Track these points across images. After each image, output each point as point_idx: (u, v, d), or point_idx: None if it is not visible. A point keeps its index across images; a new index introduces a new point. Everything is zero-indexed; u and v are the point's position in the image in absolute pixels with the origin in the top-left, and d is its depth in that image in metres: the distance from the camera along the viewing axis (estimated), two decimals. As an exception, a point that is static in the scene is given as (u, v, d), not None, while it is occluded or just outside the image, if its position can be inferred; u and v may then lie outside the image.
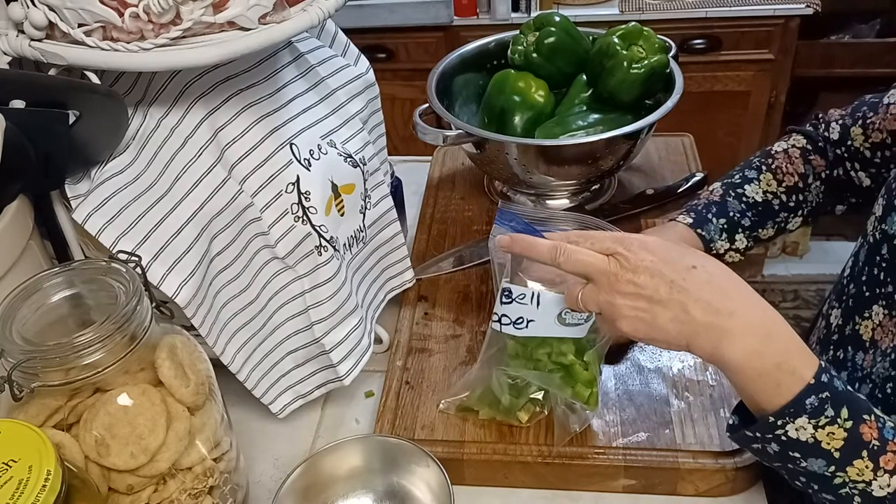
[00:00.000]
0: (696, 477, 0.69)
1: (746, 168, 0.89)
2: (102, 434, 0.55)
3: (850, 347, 0.72)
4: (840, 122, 0.86)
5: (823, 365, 0.58)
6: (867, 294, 0.71)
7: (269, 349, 0.75)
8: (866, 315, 0.70)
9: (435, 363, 0.81)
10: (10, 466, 0.46)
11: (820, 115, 0.91)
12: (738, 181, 0.88)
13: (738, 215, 0.86)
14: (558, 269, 0.63)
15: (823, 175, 0.87)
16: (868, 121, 0.82)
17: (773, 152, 0.89)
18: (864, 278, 0.72)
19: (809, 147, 0.88)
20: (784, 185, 0.87)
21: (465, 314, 0.87)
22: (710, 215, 0.85)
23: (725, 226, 0.85)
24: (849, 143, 0.84)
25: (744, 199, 0.86)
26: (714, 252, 0.85)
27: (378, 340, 0.85)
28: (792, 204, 0.87)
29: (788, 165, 0.87)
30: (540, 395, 0.73)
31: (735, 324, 0.58)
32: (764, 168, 0.88)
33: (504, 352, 0.72)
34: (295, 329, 0.75)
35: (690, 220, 0.85)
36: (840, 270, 0.79)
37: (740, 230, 0.86)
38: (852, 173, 0.85)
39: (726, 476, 0.69)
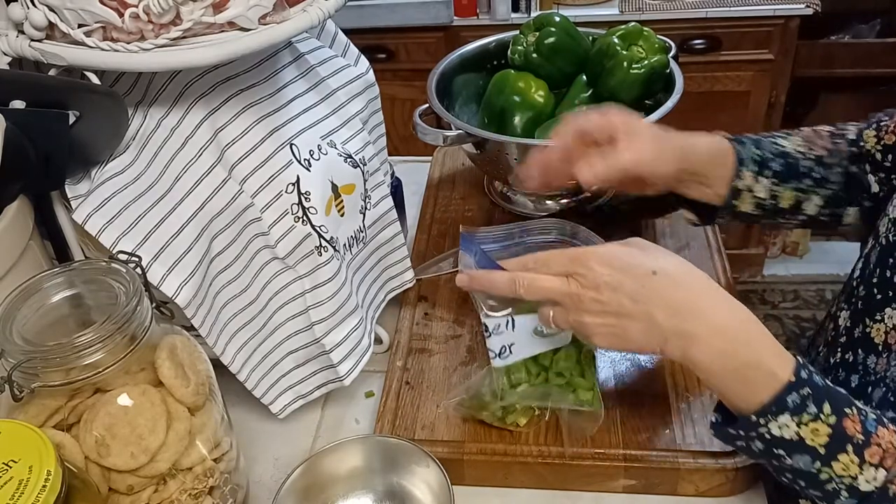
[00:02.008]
0: (697, 477, 0.69)
1: (775, 132, 0.84)
2: (103, 434, 0.55)
3: (860, 350, 0.71)
4: (856, 125, 0.84)
5: (801, 361, 0.58)
6: (879, 297, 0.70)
7: (270, 349, 0.75)
8: (878, 318, 0.69)
9: (435, 363, 0.81)
10: (11, 467, 0.46)
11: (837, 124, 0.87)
12: (767, 134, 0.83)
13: (770, 155, 0.79)
14: (522, 299, 0.63)
15: (844, 163, 0.83)
16: (882, 123, 0.79)
17: (800, 128, 0.85)
18: (874, 280, 0.71)
19: (837, 132, 0.84)
20: (814, 152, 0.81)
21: (465, 314, 0.87)
22: (746, 140, 0.80)
23: (758, 157, 0.79)
24: (861, 143, 0.81)
25: (777, 146, 0.81)
26: (737, 185, 0.78)
27: (378, 341, 0.85)
28: (816, 175, 0.81)
29: (817, 139, 0.82)
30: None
31: (700, 326, 0.58)
32: (793, 134, 0.83)
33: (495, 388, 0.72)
34: (295, 329, 0.75)
35: (730, 136, 0.80)
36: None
37: (768, 172, 0.79)
38: (870, 176, 0.81)
39: (726, 476, 0.69)
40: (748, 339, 0.59)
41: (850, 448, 0.56)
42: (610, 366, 0.78)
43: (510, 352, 0.69)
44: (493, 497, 0.72)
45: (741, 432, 0.59)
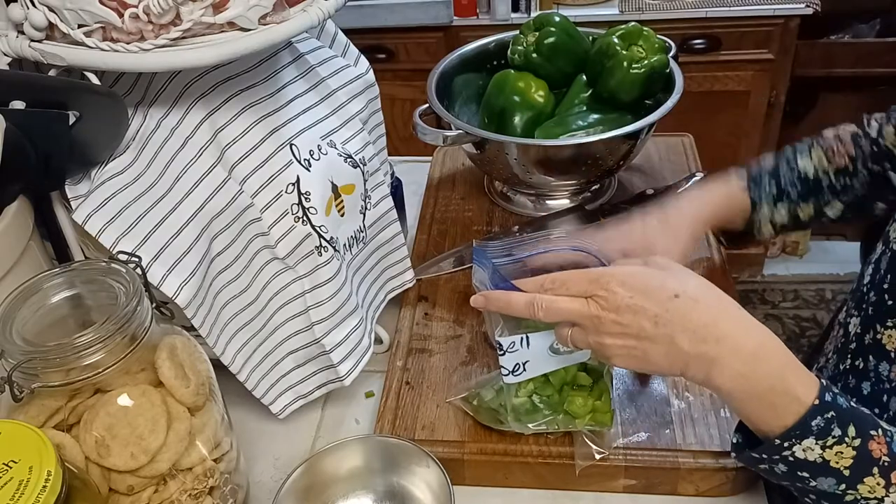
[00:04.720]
0: (697, 477, 0.69)
1: (797, 143, 0.87)
2: (103, 435, 0.55)
3: (871, 357, 0.71)
4: (879, 120, 0.84)
5: (825, 383, 0.57)
6: (890, 303, 0.69)
7: (270, 350, 0.75)
8: (890, 325, 0.69)
9: (435, 363, 0.81)
10: (11, 467, 0.46)
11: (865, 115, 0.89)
12: (790, 154, 0.86)
13: (788, 184, 0.84)
14: (539, 321, 0.63)
15: (870, 164, 0.83)
16: None
17: (823, 134, 0.87)
18: (886, 286, 0.70)
19: (860, 133, 0.85)
20: (834, 165, 0.84)
21: (465, 314, 0.87)
22: (763, 178, 0.85)
23: (774, 193, 0.84)
24: (881, 140, 0.81)
25: (796, 171, 0.85)
26: (755, 218, 0.85)
27: (378, 341, 0.85)
28: (838, 187, 0.84)
29: (840, 146, 0.84)
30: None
31: (722, 350, 0.57)
32: (815, 144, 0.86)
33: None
34: (295, 329, 0.75)
35: (744, 184, 0.85)
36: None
37: (786, 198, 0.84)
38: (891, 173, 0.82)
39: (727, 476, 0.69)
40: (771, 361, 0.57)
41: (875, 470, 0.55)
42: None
43: (524, 369, 0.67)
44: (493, 497, 0.72)
45: (764, 455, 0.58)
